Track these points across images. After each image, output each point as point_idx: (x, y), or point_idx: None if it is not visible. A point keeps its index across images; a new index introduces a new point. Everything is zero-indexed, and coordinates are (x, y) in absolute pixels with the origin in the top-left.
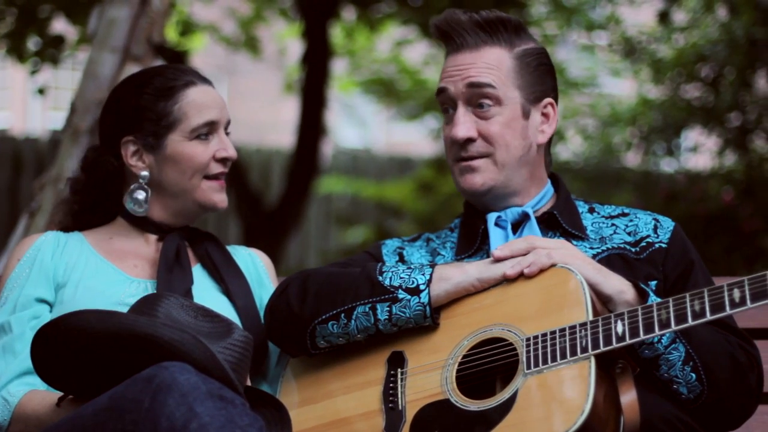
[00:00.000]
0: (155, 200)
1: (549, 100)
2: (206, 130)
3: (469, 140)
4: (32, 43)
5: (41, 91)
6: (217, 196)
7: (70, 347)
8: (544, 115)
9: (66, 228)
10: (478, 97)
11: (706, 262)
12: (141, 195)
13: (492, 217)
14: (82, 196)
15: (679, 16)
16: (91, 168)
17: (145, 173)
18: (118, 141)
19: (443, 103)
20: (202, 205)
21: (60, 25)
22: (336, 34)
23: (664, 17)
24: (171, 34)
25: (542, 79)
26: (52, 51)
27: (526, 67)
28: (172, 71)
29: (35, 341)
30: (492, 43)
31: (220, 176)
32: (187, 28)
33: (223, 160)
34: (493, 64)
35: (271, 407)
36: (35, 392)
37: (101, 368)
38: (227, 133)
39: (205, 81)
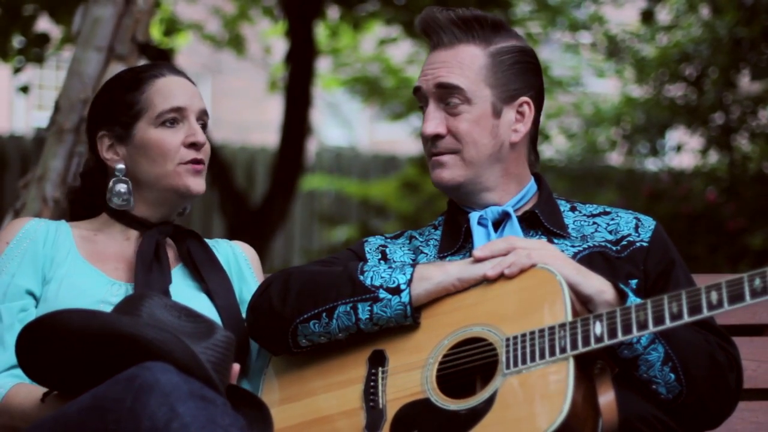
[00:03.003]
0: (134, 193)
1: (525, 99)
2: (172, 116)
3: (438, 136)
4: (16, 42)
5: (24, 90)
6: (190, 179)
7: (54, 346)
8: (519, 113)
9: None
10: (446, 95)
11: (689, 261)
12: (122, 188)
13: (474, 216)
14: (77, 203)
15: (663, 16)
16: (86, 174)
17: (120, 166)
18: (94, 137)
19: (419, 100)
20: (177, 191)
21: (44, 24)
22: (320, 32)
23: (647, 16)
24: (155, 32)
25: (518, 77)
26: (36, 50)
27: (499, 65)
28: (145, 66)
29: (20, 339)
30: (467, 41)
31: (195, 162)
32: (172, 26)
33: (193, 145)
34: (465, 62)
35: (253, 406)
36: (22, 385)
37: (85, 367)
38: (202, 126)
39: (177, 73)
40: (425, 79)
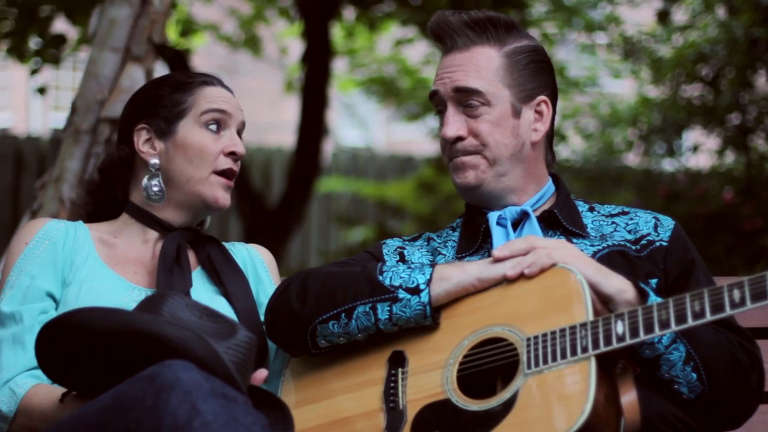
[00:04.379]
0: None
1: (542, 98)
2: (216, 117)
3: (459, 139)
4: (33, 43)
5: (41, 91)
6: (221, 192)
7: (74, 344)
8: (538, 113)
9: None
10: (465, 99)
11: (706, 262)
12: (155, 182)
13: (493, 216)
14: (96, 196)
15: (679, 16)
16: (105, 168)
17: (154, 161)
18: (132, 129)
19: (436, 105)
20: (205, 200)
21: (61, 25)
22: (336, 33)
23: (663, 17)
24: (171, 33)
25: (534, 77)
26: (53, 51)
27: (515, 65)
28: (197, 72)
29: (40, 337)
30: (481, 43)
31: (229, 173)
32: (188, 27)
33: (232, 155)
34: (481, 64)
35: (274, 407)
36: (41, 386)
37: (105, 365)
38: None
39: (226, 88)
40: (442, 82)
